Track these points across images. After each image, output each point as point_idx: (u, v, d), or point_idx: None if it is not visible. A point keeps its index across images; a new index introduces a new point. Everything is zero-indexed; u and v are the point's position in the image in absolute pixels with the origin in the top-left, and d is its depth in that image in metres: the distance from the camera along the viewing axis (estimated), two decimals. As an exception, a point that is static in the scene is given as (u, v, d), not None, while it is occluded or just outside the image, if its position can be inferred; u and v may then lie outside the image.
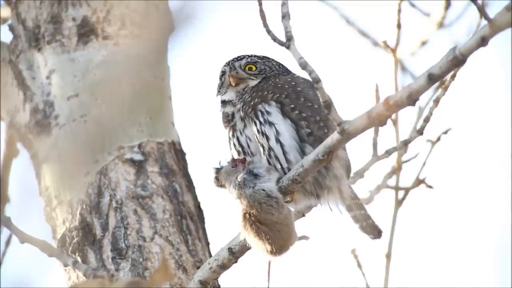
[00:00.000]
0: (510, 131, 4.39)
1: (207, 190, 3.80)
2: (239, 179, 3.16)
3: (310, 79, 3.02)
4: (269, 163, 3.19)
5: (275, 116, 3.21)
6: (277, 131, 3.19)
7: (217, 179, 3.23)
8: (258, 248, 3.15)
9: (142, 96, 3.68)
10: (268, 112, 3.22)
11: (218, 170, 3.24)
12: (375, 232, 3.30)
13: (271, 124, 3.21)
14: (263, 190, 3.13)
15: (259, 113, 3.22)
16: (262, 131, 3.21)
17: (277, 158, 3.17)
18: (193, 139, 3.91)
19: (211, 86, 3.42)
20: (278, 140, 3.18)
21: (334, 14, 5.02)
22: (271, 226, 3.12)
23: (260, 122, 3.21)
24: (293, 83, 3.27)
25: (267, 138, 3.20)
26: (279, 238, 3.12)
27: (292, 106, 3.22)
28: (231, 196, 3.20)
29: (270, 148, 3.19)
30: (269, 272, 3.26)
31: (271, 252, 3.13)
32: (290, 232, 3.14)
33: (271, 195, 3.13)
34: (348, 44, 5.07)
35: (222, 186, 3.23)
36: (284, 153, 3.17)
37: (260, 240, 3.12)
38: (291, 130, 3.19)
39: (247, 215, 3.13)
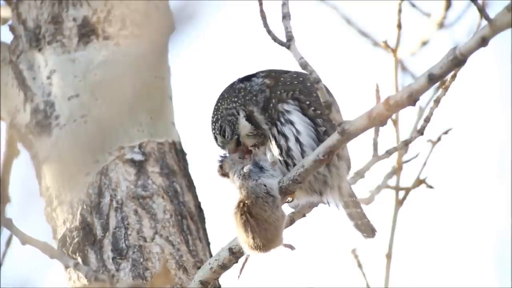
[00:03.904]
0: (510, 131, 4.39)
1: (207, 190, 3.80)
2: (245, 170, 3.15)
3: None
4: (287, 165, 3.17)
5: (294, 114, 3.18)
6: (297, 130, 3.17)
7: (221, 167, 3.23)
8: (241, 239, 3.14)
9: (143, 96, 3.68)
10: (287, 111, 3.20)
11: (223, 159, 3.24)
12: (369, 231, 3.29)
13: (291, 123, 3.19)
14: (265, 185, 3.13)
15: (280, 114, 3.20)
16: (282, 132, 3.19)
17: (293, 157, 3.16)
18: (194, 139, 3.91)
19: (211, 86, 3.41)
20: (297, 140, 3.17)
21: (334, 14, 5.01)
22: (260, 222, 3.11)
23: (281, 123, 3.20)
24: (301, 78, 3.23)
25: (286, 139, 3.18)
26: (263, 236, 3.11)
27: (308, 102, 3.20)
28: (233, 185, 3.19)
29: (288, 149, 3.17)
30: (243, 266, 3.26)
31: (252, 248, 3.12)
32: (276, 235, 3.13)
33: (270, 193, 3.13)
34: (348, 44, 5.07)
35: (225, 175, 3.23)
36: (303, 152, 3.15)
37: (245, 232, 3.11)
38: (309, 128, 3.17)
39: (241, 204, 3.13)
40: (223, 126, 3.24)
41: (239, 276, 3.26)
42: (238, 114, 3.23)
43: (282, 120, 3.18)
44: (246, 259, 3.24)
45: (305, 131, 3.17)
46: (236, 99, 3.25)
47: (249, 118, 3.23)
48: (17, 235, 3.14)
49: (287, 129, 3.17)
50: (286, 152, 3.17)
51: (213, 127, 3.25)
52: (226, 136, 3.24)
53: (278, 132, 3.18)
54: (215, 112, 3.26)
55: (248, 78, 3.28)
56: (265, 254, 3.14)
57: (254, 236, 3.11)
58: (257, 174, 3.15)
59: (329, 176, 3.19)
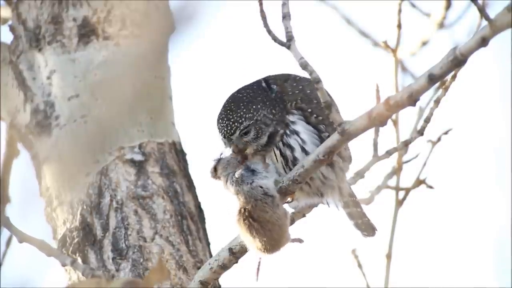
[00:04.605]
0: (510, 131, 4.40)
1: (207, 190, 3.80)
2: (236, 175, 3.15)
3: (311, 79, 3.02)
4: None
5: (299, 124, 3.16)
6: (302, 140, 3.16)
7: (215, 169, 3.22)
8: (249, 244, 3.15)
9: (143, 96, 3.68)
10: (292, 122, 3.17)
11: (218, 161, 3.23)
12: (369, 229, 3.29)
13: (296, 133, 3.17)
14: (261, 187, 3.13)
15: (285, 126, 3.18)
16: (287, 143, 3.17)
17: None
18: (194, 139, 3.91)
19: (211, 86, 3.41)
20: (303, 149, 3.15)
21: (334, 14, 5.02)
22: (264, 224, 3.11)
23: (287, 134, 3.18)
24: (300, 86, 3.22)
25: (292, 149, 3.16)
26: (269, 237, 3.12)
27: (310, 110, 3.19)
28: (227, 192, 3.19)
29: (295, 159, 3.15)
30: (258, 269, 3.26)
31: (261, 250, 3.13)
32: (282, 233, 3.13)
33: (268, 193, 3.12)
34: (348, 44, 5.07)
35: (218, 178, 3.22)
36: None
37: (252, 236, 3.12)
38: (313, 136, 3.16)
39: (242, 210, 3.13)
40: (251, 129, 3.15)
41: (257, 279, 3.26)
42: (269, 128, 3.17)
43: (287, 131, 3.17)
44: (259, 262, 3.25)
45: (309, 140, 3.16)
46: (274, 112, 3.17)
47: (270, 136, 3.17)
48: (15, 234, 3.14)
49: (292, 140, 3.16)
50: (292, 162, 3.16)
51: (239, 120, 3.13)
52: (245, 137, 3.15)
53: (283, 143, 3.17)
54: (252, 111, 3.15)
55: (269, 86, 3.22)
56: (275, 254, 3.15)
57: (261, 239, 3.11)
58: (249, 178, 3.14)
59: (334, 179, 3.18)
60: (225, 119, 3.15)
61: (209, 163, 3.25)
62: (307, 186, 3.18)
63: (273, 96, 3.19)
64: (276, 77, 3.27)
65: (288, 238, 3.16)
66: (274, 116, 3.17)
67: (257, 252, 3.15)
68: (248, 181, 3.13)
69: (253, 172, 3.15)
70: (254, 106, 3.16)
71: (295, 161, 3.15)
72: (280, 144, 3.17)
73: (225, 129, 3.15)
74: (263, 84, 3.22)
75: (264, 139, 3.18)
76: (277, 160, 3.18)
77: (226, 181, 3.17)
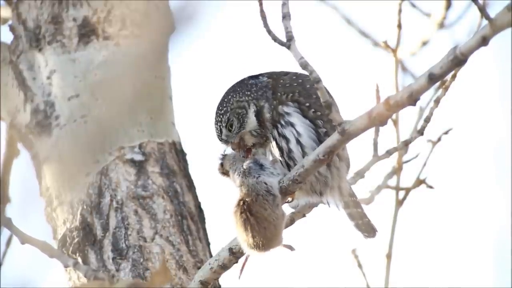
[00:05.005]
0: (510, 131, 4.39)
1: (207, 190, 3.81)
2: (244, 167, 3.14)
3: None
4: (288, 167, 3.16)
5: (295, 116, 3.18)
6: (297, 132, 3.17)
7: (221, 165, 3.22)
8: (240, 238, 3.13)
9: (143, 96, 3.68)
10: (287, 113, 3.19)
11: (224, 157, 3.24)
12: (370, 230, 3.29)
13: (292, 125, 3.19)
14: (265, 183, 3.12)
15: (280, 116, 3.20)
16: (282, 134, 3.18)
17: (294, 159, 3.15)
18: (194, 139, 3.91)
19: (211, 86, 3.41)
20: (298, 141, 3.16)
21: (334, 14, 5.02)
22: (260, 220, 3.10)
23: (282, 125, 3.19)
24: (300, 80, 3.23)
25: (287, 141, 3.17)
26: (263, 235, 3.10)
27: (308, 104, 3.20)
28: (233, 184, 3.19)
29: (289, 150, 3.16)
30: (243, 266, 3.25)
31: (251, 247, 3.12)
32: (276, 234, 3.12)
33: (271, 191, 3.12)
34: (348, 44, 5.07)
35: (225, 173, 3.22)
36: (304, 153, 3.15)
37: (245, 231, 3.10)
38: (309, 130, 3.17)
39: (241, 201, 3.12)
40: (231, 119, 3.20)
41: (239, 277, 3.26)
42: (249, 108, 3.21)
43: (283, 122, 3.18)
44: (246, 259, 3.24)
45: (305, 133, 3.16)
46: (249, 93, 3.22)
47: (258, 114, 3.21)
48: (17, 235, 3.14)
49: (287, 131, 3.17)
50: (287, 154, 3.16)
51: (219, 119, 3.21)
52: (232, 130, 3.21)
53: (279, 134, 3.18)
54: (225, 104, 3.21)
55: (255, 77, 3.27)
56: (264, 254, 3.13)
57: (254, 235, 3.10)
58: (257, 172, 3.14)
59: (330, 177, 3.19)
60: (214, 124, 3.22)
61: (214, 161, 3.25)
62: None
63: (253, 83, 3.23)
64: (275, 72, 3.28)
65: (280, 241, 3.14)
66: (249, 96, 3.21)
67: (246, 248, 3.13)
68: (255, 174, 3.13)
69: (261, 166, 3.15)
70: (225, 99, 3.22)
71: (290, 152, 3.16)
72: (276, 134, 3.18)
73: (216, 132, 3.22)
74: (246, 78, 3.26)
75: (252, 120, 3.21)
76: (274, 152, 3.19)
77: (234, 173, 3.17)
